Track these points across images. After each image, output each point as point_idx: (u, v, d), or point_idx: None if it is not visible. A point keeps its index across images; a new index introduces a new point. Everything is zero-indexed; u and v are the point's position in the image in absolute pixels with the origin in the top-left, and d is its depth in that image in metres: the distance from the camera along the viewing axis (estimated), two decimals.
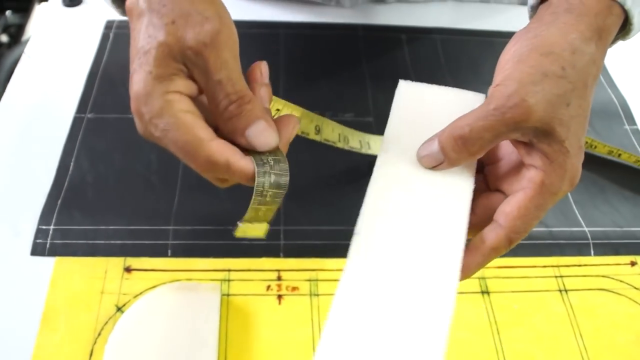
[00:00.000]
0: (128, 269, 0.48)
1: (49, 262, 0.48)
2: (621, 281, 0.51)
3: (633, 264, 0.52)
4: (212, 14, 0.34)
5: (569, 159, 0.33)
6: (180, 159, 0.35)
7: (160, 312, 0.44)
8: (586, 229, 0.53)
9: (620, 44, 0.41)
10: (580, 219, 0.54)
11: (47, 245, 0.49)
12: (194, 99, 0.35)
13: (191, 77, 0.35)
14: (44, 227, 0.50)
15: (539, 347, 0.46)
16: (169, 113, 0.33)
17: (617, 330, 0.48)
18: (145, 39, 0.34)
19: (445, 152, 0.35)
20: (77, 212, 0.51)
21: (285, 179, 0.35)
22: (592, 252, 0.52)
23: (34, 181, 0.53)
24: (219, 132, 0.35)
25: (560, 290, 0.50)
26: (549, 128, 0.33)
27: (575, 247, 0.52)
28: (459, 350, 0.45)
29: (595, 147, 0.58)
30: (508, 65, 0.35)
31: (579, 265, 0.51)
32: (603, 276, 0.51)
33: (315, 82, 0.64)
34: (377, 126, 0.59)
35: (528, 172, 0.34)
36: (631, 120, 0.63)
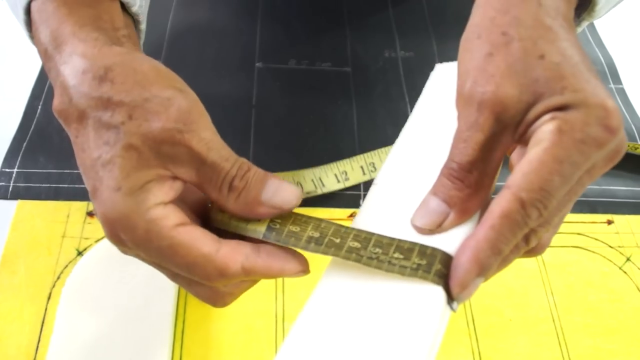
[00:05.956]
0: (91, 214, 0.46)
1: (10, 205, 0.47)
2: (596, 239, 0.50)
3: (610, 222, 0.51)
4: (172, 92, 0.28)
5: (584, 93, 0.26)
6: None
7: (119, 257, 0.42)
8: None
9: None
10: None
11: (10, 188, 0.47)
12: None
13: (173, 176, 0.28)
14: (7, 170, 0.48)
15: (508, 303, 0.45)
16: (159, 236, 0.27)
17: (590, 288, 0.47)
18: (100, 147, 0.27)
19: (448, 198, 0.29)
20: (42, 156, 0.49)
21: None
22: None
23: None
24: (228, 213, 0.30)
25: None
26: (535, 91, 0.27)
27: None
28: None
29: None
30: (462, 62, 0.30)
31: None
32: (578, 234, 0.50)
33: (292, 28, 0.62)
34: (355, 77, 0.57)
35: (543, 127, 0.27)
36: (617, 79, 0.62)
